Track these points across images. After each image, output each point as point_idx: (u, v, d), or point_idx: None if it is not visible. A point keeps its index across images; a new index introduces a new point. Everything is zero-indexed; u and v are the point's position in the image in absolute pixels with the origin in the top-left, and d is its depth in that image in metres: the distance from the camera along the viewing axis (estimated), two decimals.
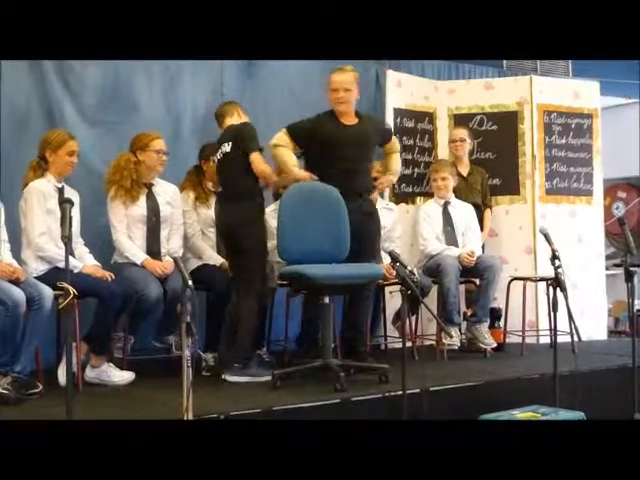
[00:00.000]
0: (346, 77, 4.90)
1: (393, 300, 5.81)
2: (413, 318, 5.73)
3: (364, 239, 4.85)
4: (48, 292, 4.18)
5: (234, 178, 4.85)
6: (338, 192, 4.74)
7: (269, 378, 4.54)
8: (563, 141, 6.62)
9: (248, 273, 4.75)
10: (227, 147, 4.85)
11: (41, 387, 4.23)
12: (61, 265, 4.18)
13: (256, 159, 4.74)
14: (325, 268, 4.53)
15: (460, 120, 6.59)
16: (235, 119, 4.98)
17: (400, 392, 4.01)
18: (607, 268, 7.17)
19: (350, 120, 4.96)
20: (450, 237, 5.88)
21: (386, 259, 5.12)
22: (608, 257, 7.60)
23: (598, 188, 6.78)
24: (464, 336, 5.80)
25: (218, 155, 4.92)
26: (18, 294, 4.06)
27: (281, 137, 4.96)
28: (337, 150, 4.85)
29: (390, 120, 6.25)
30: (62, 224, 3.45)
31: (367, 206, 5.02)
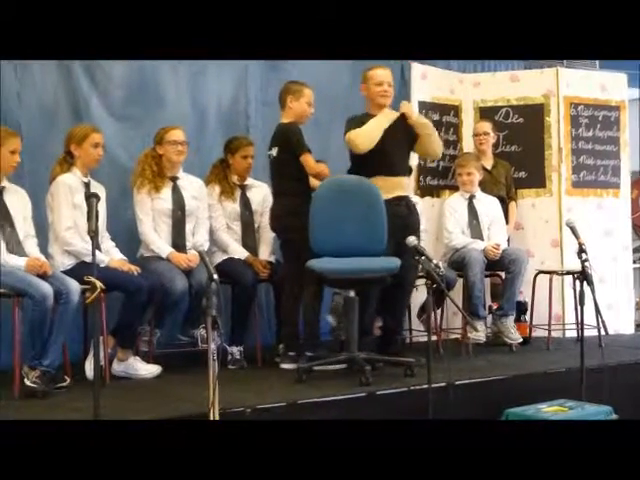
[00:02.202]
0: (388, 72, 4.96)
1: (418, 294, 5.80)
2: (438, 312, 5.73)
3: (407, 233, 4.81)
4: (75, 286, 4.20)
5: (285, 181, 4.97)
6: (375, 186, 4.75)
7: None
8: (590, 134, 6.57)
9: (294, 262, 4.83)
10: (274, 151, 4.96)
11: (69, 380, 4.27)
12: (88, 259, 4.21)
13: (307, 160, 4.85)
14: (336, 262, 4.53)
15: (486, 113, 6.56)
16: (286, 111, 5.03)
17: (425, 386, 4.00)
18: (634, 261, 7.12)
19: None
20: (475, 231, 5.86)
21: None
22: (635, 250, 7.54)
23: (625, 181, 6.72)
24: (490, 330, 5.78)
25: (269, 156, 5.06)
26: (46, 288, 4.09)
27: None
28: (380, 147, 4.86)
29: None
30: (89, 218, 3.48)
31: (408, 203, 5.06)
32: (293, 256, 4.87)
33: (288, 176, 4.95)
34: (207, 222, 5.19)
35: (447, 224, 5.91)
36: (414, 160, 6.31)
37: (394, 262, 4.61)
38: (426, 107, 6.39)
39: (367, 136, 4.82)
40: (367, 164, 4.88)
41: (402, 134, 4.99)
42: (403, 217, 4.91)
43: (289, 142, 4.90)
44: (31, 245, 4.42)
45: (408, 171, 5.17)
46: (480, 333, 5.55)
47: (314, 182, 5.03)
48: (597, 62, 7.87)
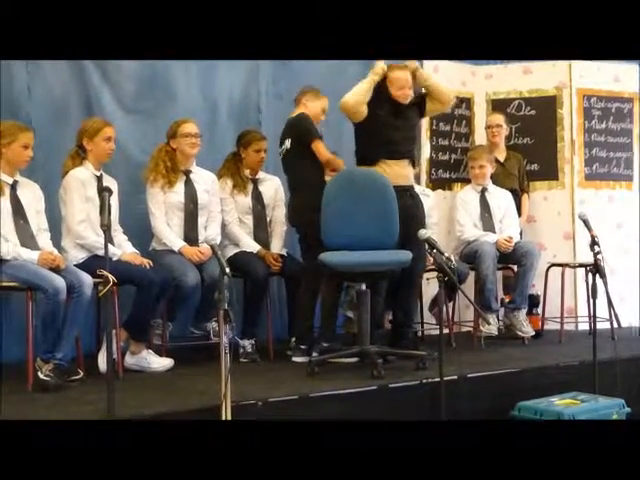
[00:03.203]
0: (408, 74, 4.91)
1: (430, 287, 5.79)
2: (450, 305, 5.73)
3: (412, 225, 4.79)
4: (88, 280, 4.22)
5: (299, 171, 5.03)
6: (387, 179, 4.75)
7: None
8: (603, 126, 6.54)
9: (313, 256, 4.80)
10: (287, 143, 5.04)
11: (82, 374, 4.28)
12: (100, 253, 4.22)
13: (318, 146, 4.95)
14: (347, 255, 4.53)
15: (498, 105, 6.54)
16: (299, 107, 5.14)
17: (437, 379, 4.00)
18: None
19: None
20: (487, 224, 5.85)
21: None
22: None
23: (638, 173, 6.68)
24: (502, 323, 5.77)
25: (280, 153, 5.12)
26: (59, 282, 4.10)
27: None
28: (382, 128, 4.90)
29: None
30: (101, 212, 3.50)
31: (412, 193, 5.05)
32: (313, 250, 4.85)
33: (304, 167, 4.99)
34: (219, 216, 5.19)
35: (459, 217, 5.90)
36: (425, 153, 6.32)
37: (405, 255, 4.60)
38: None
39: (356, 92, 4.84)
40: (370, 144, 4.88)
41: (405, 114, 4.98)
42: (409, 208, 4.90)
43: (300, 130, 4.97)
44: (44, 239, 4.43)
45: (412, 156, 5.09)
46: (492, 326, 5.54)
47: (329, 176, 5.05)
48: None
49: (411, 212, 4.90)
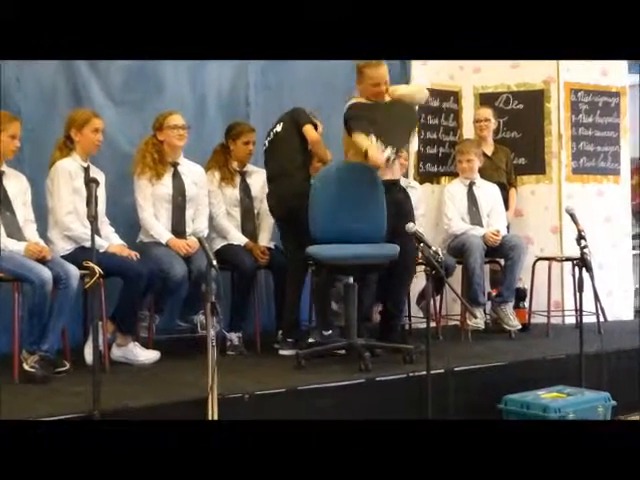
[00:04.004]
0: (383, 71, 4.81)
1: (417, 280, 5.80)
2: (437, 298, 5.73)
3: (402, 218, 4.75)
4: (74, 271, 4.20)
5: (285, 155, 4.97)
6: (376, 172, 4.73)
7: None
8: (590, 120, 6.56)
9: (297, 247, 4.79)
10: (279, 127, 5.02)
11: (68, 365, 4.27)
12: (87, 244, 4.20)
13: (309, 129, 4.92)
14: (336, 248, 4.53)
15: (486, 99, 6.54)
16: None
17: (424, 372, 4.01)
18: (634, 248, 7.11)
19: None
20: (475, 217, 5.86)
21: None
22: (635, 237, 7.53)
23: (625, 167, 6.72)
24: (489, 316, 5.79)
25: (267, 140, 5.09)
26: (45, 273, 4.08)
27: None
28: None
29: None
30: (88, 204, 3.48)
31: (400, 187, 5.05)
32: (297, 241, 4.84)
33: (290, 151, 4.96)
34: (207, 209, 5.18)
35: (446, 210, 5.91)
36: (414, 147, 6.32)
37: (393, 248, 4.60)
38: None
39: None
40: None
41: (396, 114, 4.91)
42: (398, 202, 4.89)
43: (293, 115, 4.99)
44: (31, 230, 4.41)
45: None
46: (479, 320, 5.55)
47: (314, 169, 5.04)
48: None
49: (401, 206, 4.90)
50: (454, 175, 6.25)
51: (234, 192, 5.33)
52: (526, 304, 5.89)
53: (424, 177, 6.41)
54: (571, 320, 6.01)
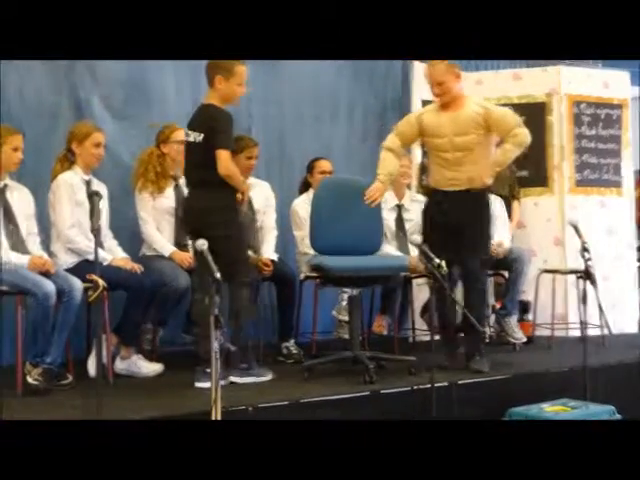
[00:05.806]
0: (435, 70, 4.71)
1: (421, 292, 5.79)
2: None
3: (463, 234, 4.68)
4: (78, 284, 4.20)
5: (209, 169, 4.28)
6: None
7: (270, 378, 4.47)
8: (592, 132, 6.56)
9: (232, 266, 4.17)
10: (199, 137, 4.35)
11: (71, 378, 4.27)
12: (90, 257, 4.19)
13: (223, 157, 4.27)
14: (345, 260, 4.53)
15: None
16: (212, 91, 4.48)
17: (429, 385, 3.99)
18: (638, 260, 7.09)
19: (453, 108, 4.75)
20: None
21: (413, 251, 5.11)
22: (639, 249, 7.52)
23: (628, 179, 6.71)
24: (493, 329, 5.77)
25: (186, 139, 4.49)
26: (48, 286, 4.08)
27: (391, 138, 4.88)
28: (436, 140, 4.78)
29: None
30: (91, 217, 3.48)
31: (473, 198, 4.79)
32: (230, 259, 4.18)
33: (213, 164, 4.30)
34: None
35: None
36: (417, 158, 6.31)
37: (401, 260, 4.63)
38: None
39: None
40: None
41: None
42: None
43: (216, 132, 4.32)
44: (34, 243, 4.42)
45: None
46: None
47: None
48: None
49: (464, 221, 4.73)
50: None
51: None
52: (530, 316, 5.88)
53: (426, 189, 6.39)
54: (575, 333, 5.99)
